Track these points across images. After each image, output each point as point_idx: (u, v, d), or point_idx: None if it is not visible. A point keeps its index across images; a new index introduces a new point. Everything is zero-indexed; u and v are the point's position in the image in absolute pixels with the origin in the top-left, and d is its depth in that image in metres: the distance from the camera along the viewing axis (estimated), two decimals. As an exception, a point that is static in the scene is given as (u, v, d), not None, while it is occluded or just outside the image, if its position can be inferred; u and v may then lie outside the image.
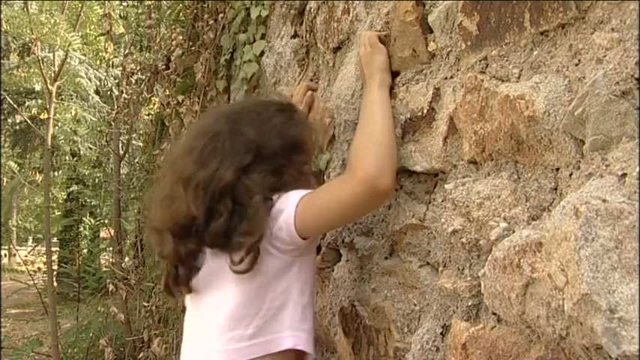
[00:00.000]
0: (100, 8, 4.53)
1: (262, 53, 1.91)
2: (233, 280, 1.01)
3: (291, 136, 1.10)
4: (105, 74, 5.13)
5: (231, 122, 1.10)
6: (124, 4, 4.18)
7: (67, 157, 7.24)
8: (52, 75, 3.91)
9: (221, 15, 2.37)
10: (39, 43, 3.69)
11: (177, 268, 1.08)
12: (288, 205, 1.00)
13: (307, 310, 1.07)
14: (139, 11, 3.89)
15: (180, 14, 3.03)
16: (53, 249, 5.07)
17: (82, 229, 6.38)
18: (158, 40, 3.02)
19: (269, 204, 1.02)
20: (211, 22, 2.43)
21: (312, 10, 1.50)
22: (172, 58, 2.69)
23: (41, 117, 4.85)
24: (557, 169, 0.72)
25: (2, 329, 4.26)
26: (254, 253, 0.99)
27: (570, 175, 0.69)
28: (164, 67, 2.87)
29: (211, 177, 1.03)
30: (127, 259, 4.40)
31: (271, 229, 1.00)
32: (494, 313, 0.81)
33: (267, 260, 1.01)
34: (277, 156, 1.06)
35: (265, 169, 1.04)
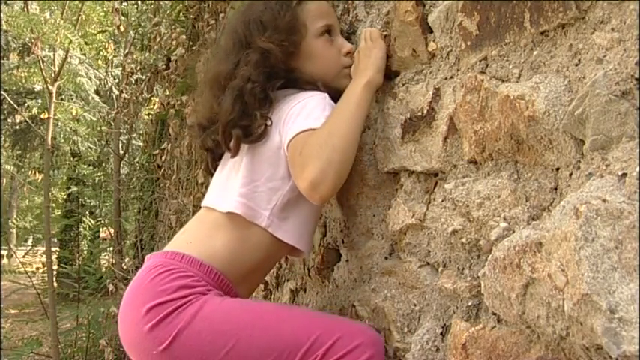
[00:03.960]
0: (102, 8, 4.52)
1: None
2: (247, 149, 1.12)
3: (273, 19, 1.13)
4: (105, 74, 5.13)
5: (235, 19, 1.22)
6: (124, 3, 4.17)
7: (67, 157, 7.23)
8: (52, 75, 3.91)
9: (222, 15, 2.37)
10: (39, 43, 3.68)
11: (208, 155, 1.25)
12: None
13: (294, 206, 1.11)
14: (143, 8, 3.88)
15: (181, 14, 3.03)
16: (53, 249, 5.06)
17: (81, 229, 6.37)
18: (158, 40, 3.02)
19: (266, 92, 1.10)
20: (212, 22, 2.44)
21: (312, 10, 1.50)
22: (174, 58, 2.69)
23: (41, 117, 4.84)
24: (557, 169, 0.72)
25: (2, 329, 4.25)
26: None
27: (570, 175, 0.69)
28: (164, 67, 2.87)
29: (219, 72, 1.16)
30: (127, 259, 4.41)
31: (284, 123, 1.07)
32: (494, 313, 0.81)
33: (274, 136, 1.09)
34: (262, 42, 1.12)
35: (253, 57, 1.12)
